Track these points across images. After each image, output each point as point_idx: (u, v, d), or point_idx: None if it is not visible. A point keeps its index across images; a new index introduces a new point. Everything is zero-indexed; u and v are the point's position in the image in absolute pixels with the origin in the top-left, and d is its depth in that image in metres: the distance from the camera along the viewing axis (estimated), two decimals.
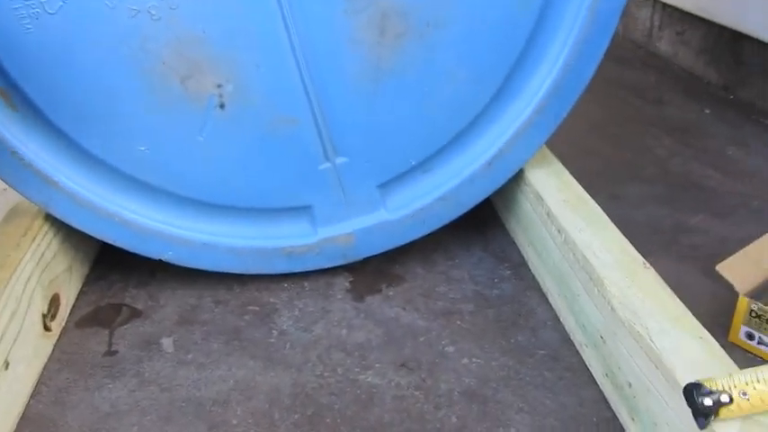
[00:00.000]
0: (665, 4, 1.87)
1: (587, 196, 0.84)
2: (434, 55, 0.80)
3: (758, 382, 0.51)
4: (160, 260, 0.88)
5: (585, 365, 0.75)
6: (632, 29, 2.05)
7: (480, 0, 0.78)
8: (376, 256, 0.93)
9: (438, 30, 0.78)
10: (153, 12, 0.71)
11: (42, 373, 0.78)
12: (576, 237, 0.75)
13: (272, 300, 0.90)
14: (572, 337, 0.78)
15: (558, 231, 0.79)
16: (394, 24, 0.77)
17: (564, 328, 0.81)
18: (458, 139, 0.86)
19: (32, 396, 0.75)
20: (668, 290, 0.65)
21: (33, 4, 0.69)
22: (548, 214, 0.82)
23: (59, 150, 0.79)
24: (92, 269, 0.97)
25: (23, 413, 0.72)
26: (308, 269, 0.92)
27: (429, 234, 0.92)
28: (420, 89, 0.82)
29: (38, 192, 0.80)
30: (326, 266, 0.92)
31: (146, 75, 0.74)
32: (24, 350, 0.74)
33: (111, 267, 0.96)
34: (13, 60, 0.72)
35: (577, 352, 0.77)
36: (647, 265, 0.69)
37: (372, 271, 0.95)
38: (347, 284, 0.93)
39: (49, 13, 0.70)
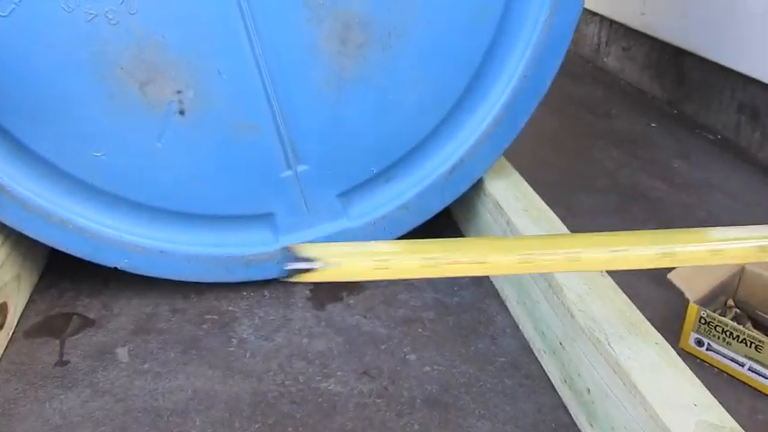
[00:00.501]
0: (611, 21, 1.93)
1: (545, 206, 0.86)
2: (396, 64, 0.81)
3: (351, 255, 0.60)
4: (115, 268, 0.85)
5: (544, 372, 0.76)
6: (581, 44, 2.11)
7: (440, 12, 0.79)
8: None
9: (399, 40, 0.79)
10: (110, 16, 0.69)
11: None
12: None
13: (231, 308, 0.89)
14: (531, 345, 0.80)
15: None
16: (356, 34, 0.77)
17: (523, 336, 0.82)
18: (419, 148, 0.87)
19: None
20: (625, 297, 0.67)
21: None
22: (507, 223, 0.84)
23: (9, 154, 0.76)
24: (41, 277, 0.94)
25: None
26: (268, 277, 0.91)
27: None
28: (382, 98, 0.82)
29: None
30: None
31: (103, 80, 0.73)
32: None
33: (62, 275, 0.93)
34: None
35: (536, 359, 0.79)
36: (605, 273, 0.71)
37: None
38: (308, 292, 0.92)
39: (1, 16, 0.67)
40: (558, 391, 0.74)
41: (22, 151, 0.76)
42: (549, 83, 0.87)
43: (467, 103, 0.86)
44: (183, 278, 0.88)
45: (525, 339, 0.82)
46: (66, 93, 0.72)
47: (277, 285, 0.93)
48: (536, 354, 0.79)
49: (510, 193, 0.89)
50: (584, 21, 2.08)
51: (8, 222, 0.79)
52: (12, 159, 0.76)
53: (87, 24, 0.69)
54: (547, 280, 0.73)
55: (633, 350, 0.59)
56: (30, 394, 0.74)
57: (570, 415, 0.71)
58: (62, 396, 0.74)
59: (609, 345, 0.60)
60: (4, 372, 0.77)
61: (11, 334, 0.83)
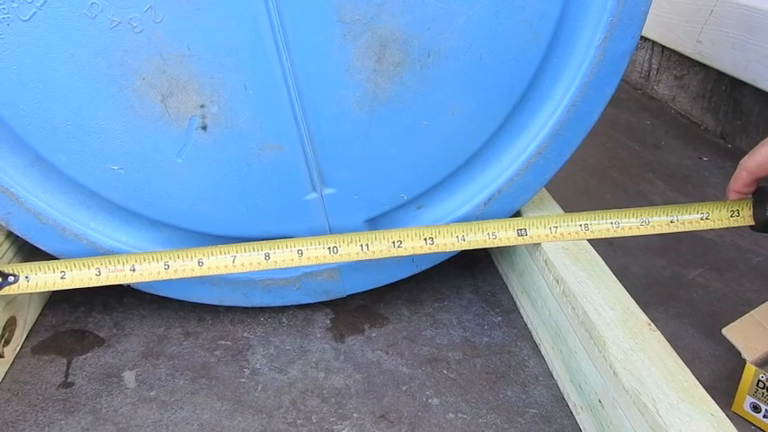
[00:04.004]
0: (663, 47, 1.85)
1: (587, 244, 0.79)
2: (433, 88, 0.75)
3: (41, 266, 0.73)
4: (128, 286, 0.81)
5: (580, 430, 0.69)
6: (630, 70, 2.03)
7: (483, 36, 0.73)
8: (360, 293, 0.88)
9: (438, 61, 0.74)
10: (134, 24, 0.66)
11: None
12: (576, 289, 0.70)
13: (246, 335, 0.84)
14: (565, 397, 0.73)
15: (557, 281, 0.74)
16: (393, 52, 0.72)
17: (557, 386, 0.76)
18: (454, 177, 0.81)
19: None
20: (675, 356, 0.60)
21: (5, 8, 0.63)
22: (545, 262, 0.77)
23: (26, 166, 0.73)
24: (56, 290, 0.90)
25: None
26: (287, 304, 0.87)
27: (418, 273, 0.88)
28: (416, 122, 0.77)
29: None
30: (307, 302, 0.87)
31: (123, 90, 0.69)
32: None
33: (76, 289, 0.89)
34: None
35: (571, 414, 0.72)
36: (653, 326, 0.64)
37: (355, 309, 0.89)
38: (328, 322, 0.87)
39: (22, 20, 0.64)
40: None
41: (39, 162, 0.73)
42: (599, 113, 0.81)
43: (508, 131, 0.80)
44: (197, 300, 0.84)
45: (559, 390, 0.75)
46: (85, 103, 0.69)
47: (296, 312, 0.88)
48: (571, 408, 0.72)
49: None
50: None
51: (21, 234, 0.76)
52: (28, 170, 0.73)
53: (110, 32, 0.66)
54: (587, 329, 0.66)
55: (685, 421, 0.52)
56: (29, 417, 0.70)
57: None
58: (62, 421, 0.70)
59: (657, 413, 0.53)
60: (6, 391, 0.74)
61: (18, 349, 0.80)
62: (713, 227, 0.76)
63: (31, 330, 0.83)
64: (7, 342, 0.77)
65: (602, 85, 0.78)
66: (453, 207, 0.83)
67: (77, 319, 0.86)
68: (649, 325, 0.64)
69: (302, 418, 0.71)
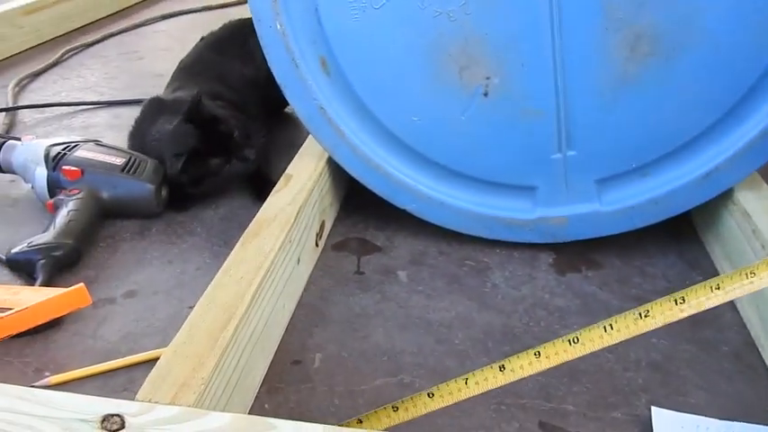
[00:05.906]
0: None
1: None
2: (672, 75, 0.92)
3: None
4: (404, 210, 1.08)
5: (767, 367, 0.84)
6: None
7: (725, 33, 0.88)
8: (579, 241, 1.07)
9: (681, 54, 0.90)
10: (452, 15, 0.90)
11: (309, 278, 1.02)
12: None
13: (485, 259, 1.07)
14: (756, 343, 0.88)
15: (762, 246, 0.88)
16: (644, 44, 0.90)
17: (749, 333, 0.90)
18: (678, 151, 0.97)
19: (304, 290, 0.98)
20: None
21: (364, 0, 0.91)
22: (753, 231, 0.91)
23: (353, 112, 1.01)
24: (339, 210, 1.21)
25: (299, 301, 0.96)
26: (519, 241, 1.08)
27: (630, 232, 1.05)
28: (653, 103, 0.94)
29: (329, 140, 1.04)
30: (537, 242, 1.08)
31: (433, 63, 0.94)
32: (306, 255, 0.98)
33: (353, 212, 1.19)
34: (338, 38, 0.95)
35: (759, 354, 0.86)
36: None
37: (573, 253, 1.09)
38: (550, 261, 1.08)
39: (374, 8, 0.92)
40: None
41: (362, 110, 1.01)
42: None
43: (734, 115, 0.94)
44: (452, 228, 1.08)
45: (751, 337, 0.89)
46: (405, 70, 0.95)
47: (525, 250, 1.09)
48: (760, 350, 0.86)
49: (760, 205, 0.95)
50: None
51: (340, 161, 1.06)
52: (354, 116, 1.02)
53: (433, 19, 0.91)
54: None
55: None
56: (338, 289, 0.99)
57: None
58: (360, 295, 0.98)
59: None
60: (320, 270, 1.04)
61: (323, 246, 1.10)
62: None
63: (329, 235, 1.13)
64: (320, 237, 1.07)
65: None
66: (673, 177, 0.99)
67: (359, 231, 1.15)
68: None
69: (533, 322, 0.93)
